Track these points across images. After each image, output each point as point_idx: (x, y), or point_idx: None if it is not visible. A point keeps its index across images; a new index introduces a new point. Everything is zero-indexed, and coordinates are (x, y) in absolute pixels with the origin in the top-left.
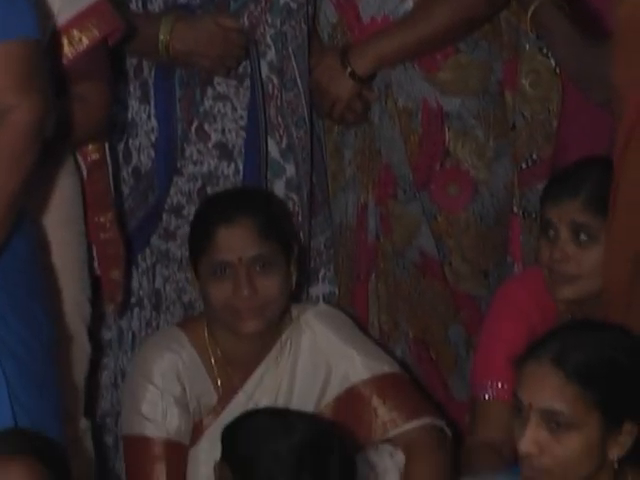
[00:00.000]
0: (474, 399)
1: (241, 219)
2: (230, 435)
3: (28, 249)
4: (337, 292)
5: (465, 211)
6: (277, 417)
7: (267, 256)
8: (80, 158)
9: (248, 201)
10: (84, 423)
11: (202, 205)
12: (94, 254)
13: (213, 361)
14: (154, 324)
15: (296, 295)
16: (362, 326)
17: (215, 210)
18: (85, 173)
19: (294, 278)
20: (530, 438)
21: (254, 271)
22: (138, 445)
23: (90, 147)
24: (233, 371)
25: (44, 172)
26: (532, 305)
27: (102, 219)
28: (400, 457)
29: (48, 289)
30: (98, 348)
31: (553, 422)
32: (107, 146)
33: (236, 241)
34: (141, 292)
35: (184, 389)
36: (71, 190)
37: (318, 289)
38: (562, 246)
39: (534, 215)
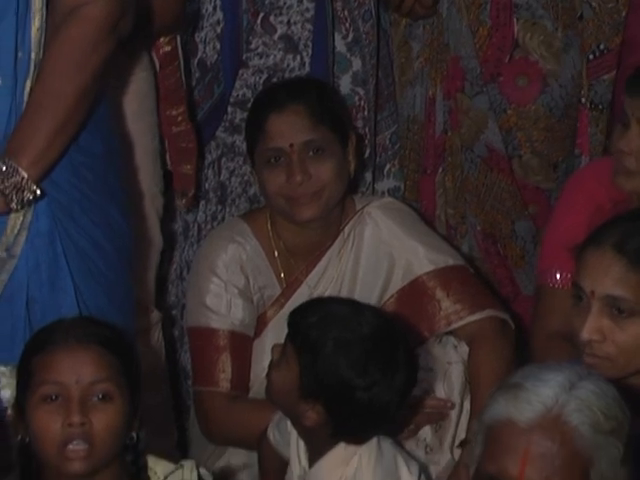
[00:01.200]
0: (540, 287)
1: (291, 105)
2: (300, 316)
3: (104, 148)
4: (403, 187)
5: (534, 103)
6: (347, 306)
7: (319, 142)
8: (153, 52)
9: (299, 89)
10: (155, 315)
11: (256, 96)
12: (166, 147)
13: (276, 253)
14: (219, 217)
15: (362, 192)
16: (428, 220)
17: (267, 99)
18: (158, 67)
19: (352, 167)
20: (592, 325)
21: (307, 157)
22: (203, 337)
23: (162, 40)
24: (296, 263)
25: (120, 67)
26: (602, 195)
27: (174, 112)
28: (464, 349)
29: (126, 189)
30: (165, 241)
31: (615, 309)
32: (179, 39)
33: (287, 128)
34: (207, 185)
35: (248, 281)
36: (145, 84)
37: (384, 184)
38: (630, 138)
39: (601, 107)
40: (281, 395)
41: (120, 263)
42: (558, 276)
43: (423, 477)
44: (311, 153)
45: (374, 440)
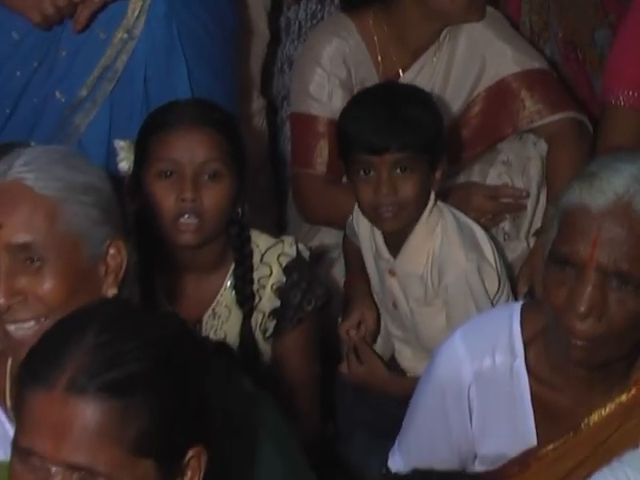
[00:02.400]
0: (604, 104)
1: None
2: None
3: None
4: None
5: None
6: None
7: None
8: None
9: None
10: (259, 103)
11: None
12: None
13: (377, 48)
14: (318, 16)
15: None
16: (514, 26)
17: None
18: None
19: None
20: None
21: None
22: (305, 122)
23: None
24: (396, 58)
25: None
26: None
27: None
28: (543, 146)
29: None
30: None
31: None
32: None
33: None
34: None
35: (349, 73)
36: None
37: None
38: None
39: None
40: None
41: (228, 49)
42: (621, 95)
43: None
44: None
45: (448, 211)
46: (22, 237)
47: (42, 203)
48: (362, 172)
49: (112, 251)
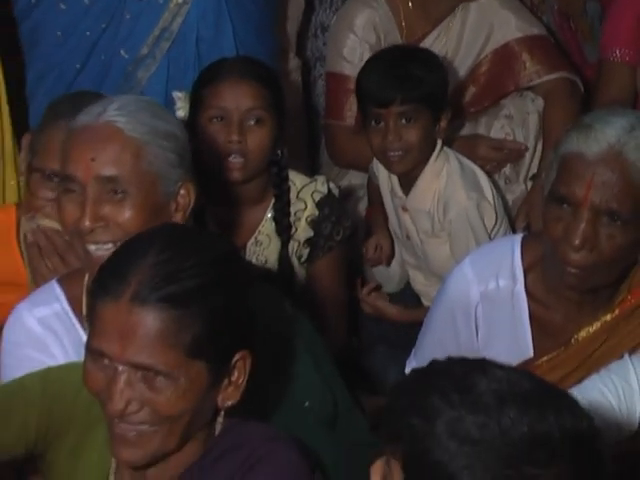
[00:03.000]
0: (602, 61)
1: None
2: None
3: None
4: None
5: None
6: None
7: None
8: None
9: None
10: (295, 62)
11: None
12: None
13: (402, 17)
14: None
15: None
16: None
17: None
18: None
19: None
20: None
21: None
22: (338, 81)
23: None
24: (418, 26)
25: None
26: None
27: None
28: (540, 102)
29: None
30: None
31: None
32: None
33: None
34: None
35: (379, 38)
36: None
37: None
38: None
39: None
40: None
41: (269, 14)
42: (618, 52)
43: (491, 183)
44: None
45: (453, 156)
46: (110, 170)
47: (129, 143)
48: (373, 122)
49: (183, 191)
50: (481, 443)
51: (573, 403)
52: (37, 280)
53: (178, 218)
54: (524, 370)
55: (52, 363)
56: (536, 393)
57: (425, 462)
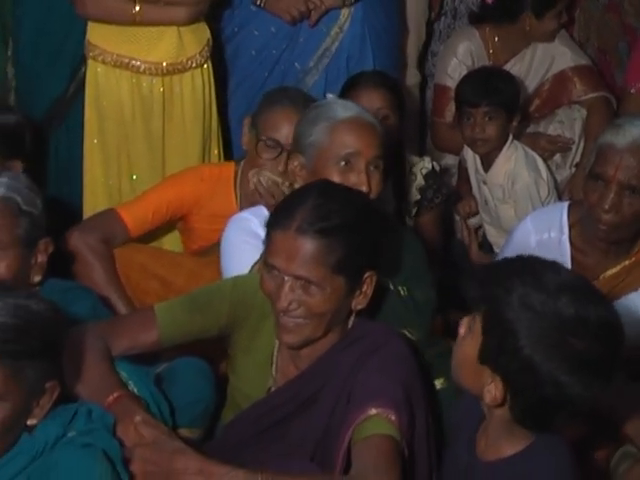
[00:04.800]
0: (622, 91)
1: None
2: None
3: None
4: None
5: None
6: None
7: None
8: None
9: None
10: (416, 77)
11: None
12: None
13: (490, 48)
14: (453, 26)
15: None
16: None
17: None
18: None
19: None
20: None
21: None
22: (442, 90)
23: None
24: (501, 55)
25: None
26: None
27: None
28: (583, 112)
29: None
30: None
31: None
32: None
33: None
34: None
35: (473, 62)
36: None
37: None
38: None
39: None
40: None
41: (395, 42)
42: (635, 85)
43: (546, 167)
44: None
45: (520, 147)
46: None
47: None
48: (465, 119)
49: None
50: (540, 314)
51: (608, 302)
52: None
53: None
54: (580, 275)
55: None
56: (585, 289)
57: (499, 318)
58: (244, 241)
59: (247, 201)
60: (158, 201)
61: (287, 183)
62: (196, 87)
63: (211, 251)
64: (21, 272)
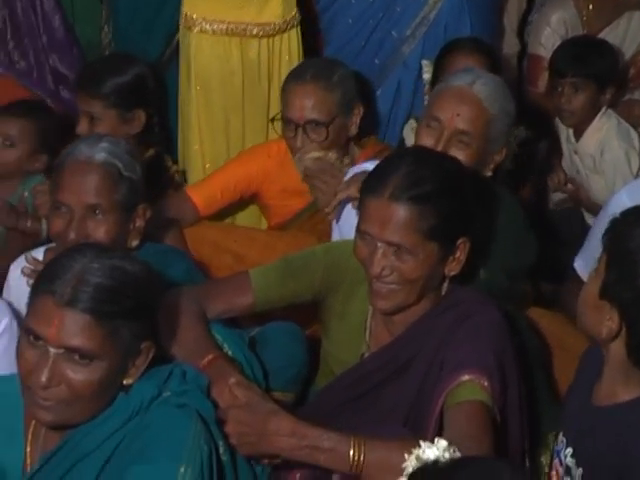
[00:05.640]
0: None
1: None
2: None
3: None
4: None
5: None
6: None
7: None
8: None
9: None
10: (517, 47)
11: None
12: None
13: (584, 17)
14: None
15: None
16: None
17: None
18: None
19: None
20: None
21: None
22: (536, 60)
23: None
24: (595, 24)
25: None
26: None
27: None
28: None
29: None
30: None
31: None
32: None
33: None
34: None
35: (567, 31)
36: None
37: None
38: None
39: None
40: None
41: (494, 11)
42: None
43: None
44: None
45: (613, 116)
46: (464, 126)
47: (482, 113)
48: (555, 89)
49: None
50: None
51: None
52: (315, 193)
53: None
54: None
55: None
56: None
57: (621, 249)
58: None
59: None
60: (226, 180)
61: (331, 152)
62: (292, 48)
63: (288, 226)
64: (119, 237)
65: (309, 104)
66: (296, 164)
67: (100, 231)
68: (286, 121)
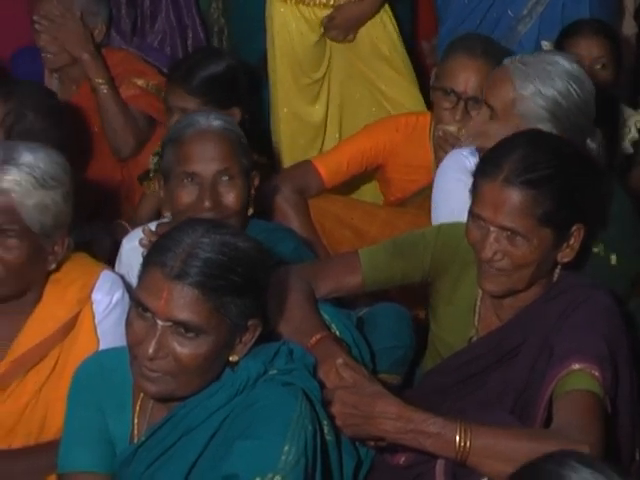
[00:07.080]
0: None
1: None
2: None
3: None
4: None
5: None
6: None
7: None
8: None
9: None
10: (634, 29)
11: None
12: None
13: None
14: None
15: None
16: None
17: None
18: None
19: None
20: None
21: None
22: None
23: None
24: None
25: None
26: None
27: None
28: None
29: None
30: None
31: None
32: None
33: None
34: None
35: None
36: None
37: None
38: None
39: None
40: None
41: None
42: None
43: None
44: None
45: None
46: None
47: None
48: None
49: None
50: None
51: None
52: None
53: None
54: None
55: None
56: None
57: None
58: (457, 179)
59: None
60: (353, 151)
61: (464, 131)
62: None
63: (408, 202)
64: (244, 203)
65: (477, 80)
66: (435, 130)
67: (230, 196)
68: (446, 91)
